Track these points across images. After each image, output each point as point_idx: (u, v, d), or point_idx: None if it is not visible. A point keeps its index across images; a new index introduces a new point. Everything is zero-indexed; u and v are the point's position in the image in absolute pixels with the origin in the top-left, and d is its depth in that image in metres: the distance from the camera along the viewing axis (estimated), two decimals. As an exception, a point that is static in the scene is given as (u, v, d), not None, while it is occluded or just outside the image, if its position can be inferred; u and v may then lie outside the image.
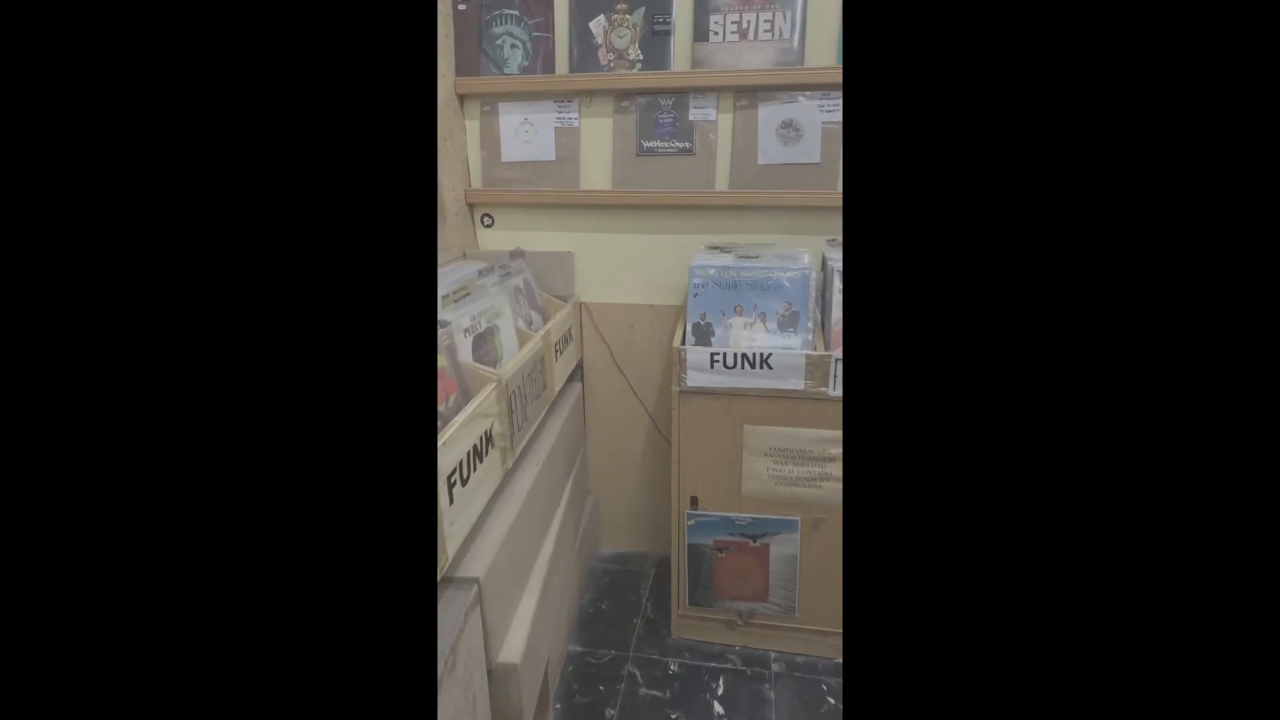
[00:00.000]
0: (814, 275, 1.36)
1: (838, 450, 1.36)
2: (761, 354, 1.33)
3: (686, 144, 1.56)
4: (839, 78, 1.45)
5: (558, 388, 1.51)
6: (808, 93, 1.49)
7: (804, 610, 1.47)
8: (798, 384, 1.33)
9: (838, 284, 1.35)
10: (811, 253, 1.48)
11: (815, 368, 1.32)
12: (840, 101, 1.48)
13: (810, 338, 1.36)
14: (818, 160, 1.52)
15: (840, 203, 1.52)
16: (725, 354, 1.34)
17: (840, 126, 1.50)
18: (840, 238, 1.55)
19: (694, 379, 1.36)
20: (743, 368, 1.34)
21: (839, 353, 1.32)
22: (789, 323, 1.37)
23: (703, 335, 1.40)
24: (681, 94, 1.54)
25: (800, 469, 1.39)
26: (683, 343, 1.40)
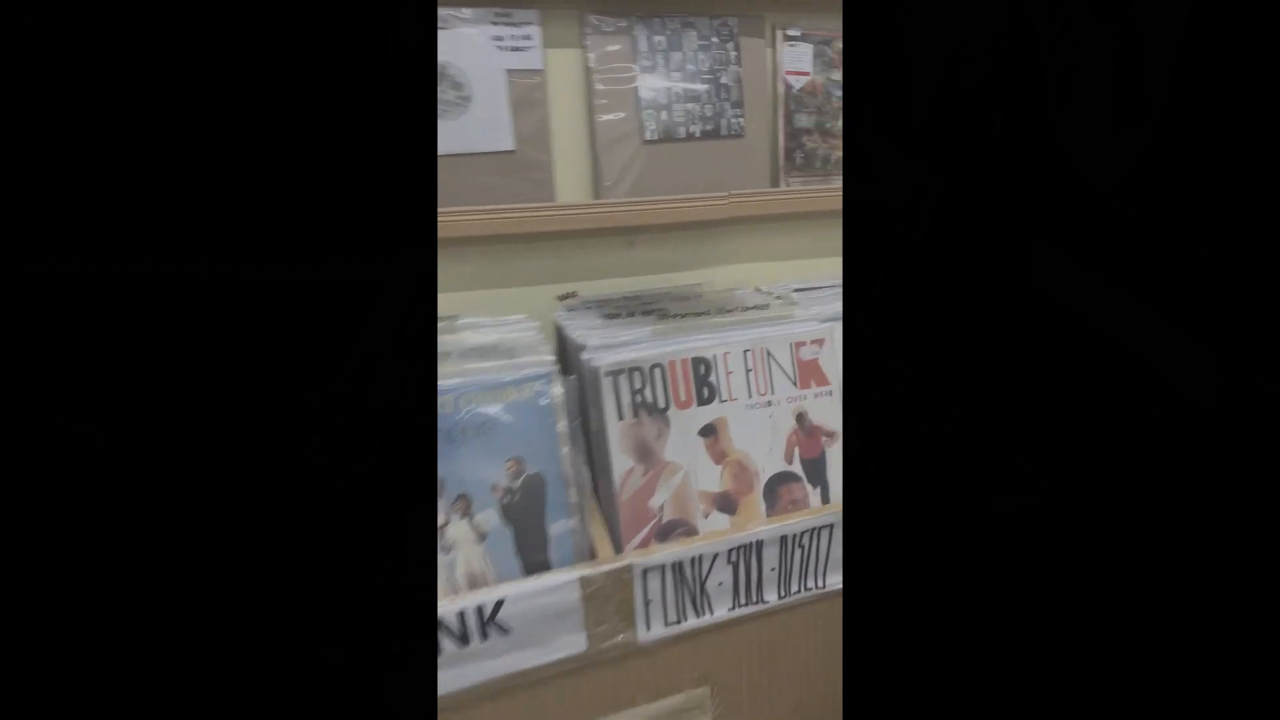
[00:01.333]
0: (558, 387, 0.63)
1: (669, 736, 0.66)
2: (481, 606, 0.55)
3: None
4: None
5: None
6: (470, 10, 0.74)
7: None
8: (575, 643, 0.59)
9: (611, 397, 0.64)
10: (535, 324, 0.74)
11: (603, 598, 0.59)
12: (540, 30, 0.77)
13: (581, 523, 0.63)
14: (511, 147, 0.79)
15: (576, 225, 0.80)
16: (390, 628, 0.53)
17: (547, 78, 0.78)
18: (576, 295, 0.85)
19: (316, 713, 0.52)
20: (441, 647, 0.55)
21: (649, 554, 0.61)
22: (528, 508, 0.61)
23: (322, 584, 0.56)
24: None
25: (601, 795, 0.65)
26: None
